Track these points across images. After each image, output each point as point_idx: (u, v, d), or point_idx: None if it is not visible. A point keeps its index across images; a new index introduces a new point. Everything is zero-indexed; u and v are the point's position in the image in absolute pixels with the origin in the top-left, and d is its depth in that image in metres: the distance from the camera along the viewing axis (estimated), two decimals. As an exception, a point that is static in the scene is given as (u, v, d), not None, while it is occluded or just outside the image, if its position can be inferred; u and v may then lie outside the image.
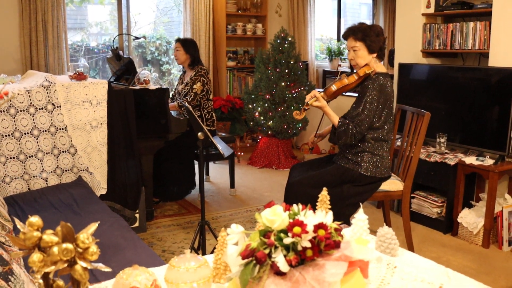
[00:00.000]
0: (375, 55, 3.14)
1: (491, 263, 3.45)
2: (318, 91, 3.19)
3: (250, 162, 6.14)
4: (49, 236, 1.06)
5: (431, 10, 4.46)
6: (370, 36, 3.09)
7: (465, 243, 3.79)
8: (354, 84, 3.17)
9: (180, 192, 4.77)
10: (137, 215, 3.75)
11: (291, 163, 5.91)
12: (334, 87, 3.17)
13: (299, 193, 3.11)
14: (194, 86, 4.62)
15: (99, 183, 3.42)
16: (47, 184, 3.22)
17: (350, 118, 3.13)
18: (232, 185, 4.96)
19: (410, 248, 3.38)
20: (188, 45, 4.81)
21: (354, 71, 3.22)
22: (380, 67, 3.19)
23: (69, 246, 1.05)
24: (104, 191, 3.44)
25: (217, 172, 5.76)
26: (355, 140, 3.08)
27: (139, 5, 6.59)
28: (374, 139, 3.13)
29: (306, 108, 3.18)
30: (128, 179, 3.62)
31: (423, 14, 4.52)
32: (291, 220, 1.18)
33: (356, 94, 3.34)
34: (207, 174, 5.51)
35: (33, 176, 3.17)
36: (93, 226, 1.10)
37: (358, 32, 3.11)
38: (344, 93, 3.38)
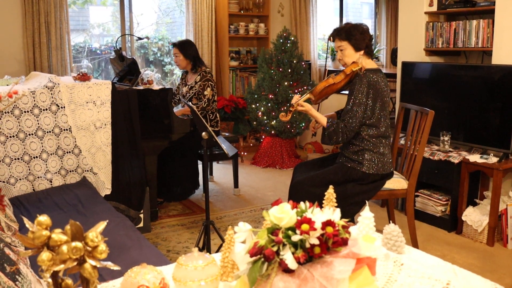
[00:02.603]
0: (362, 52, 3.15)
1: (496, 261, 3.45)
2: (299, 95, 3.21)
3: (253, 162, 6.14)
4: (58, 235, 1.07)
5: (434, 8, 4.45)
6: (355, 35, 3.12)
7: (470, 241, 3.78)
8: (342, 82, 3.17)
9: (184, 192, 4.77)
10: (141, 215, 3.75)
11: (294, 163, 5.91)
12: (319, 87, 3.19)
13: (303, 193, 3.11)
14: (205, 93, 4.60)
15: (104, 184, 3.43)
16: (51, 184, 3.23)
17: (341, 115, 3.15)
18: (236, 185, 4.96)
19: (415, 246, 3.37)
20: (186, 49, 4.71)
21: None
22: (370, 63, 3.20)
23: (79, 244, 1.05)
24: (108, 192, 3.45)
25: (221, 172, 5.76)
26: (346, 138, 3.08)
27: (141, 6, 6.60)
28: (372, 136, 3.13)
29: (291, 109, 3.18)
30: (133, 179, 3.62)
31: (425, 13, 4.52)
32: (298, 218, 1.18)
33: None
34: (211, 174, 5.51)
35: (38, 177, 3.18)
36: (102, 225, 1.11)
37: (342, 32, 3.15)
38: (337, 93, 3.37)
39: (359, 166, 3.12)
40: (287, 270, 1.16)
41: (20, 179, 3.12)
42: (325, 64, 3.48)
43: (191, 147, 4.65)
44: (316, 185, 3.09)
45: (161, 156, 4.32)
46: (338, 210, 1.29)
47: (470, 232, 3.82)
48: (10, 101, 2.84)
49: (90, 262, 1.07)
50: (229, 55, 6.72)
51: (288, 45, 5.82)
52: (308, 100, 3.22)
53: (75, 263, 1.06)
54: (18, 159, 3.11)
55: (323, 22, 8.10)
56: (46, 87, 3.19)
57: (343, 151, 3.24)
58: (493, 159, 3.69)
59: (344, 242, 1.19)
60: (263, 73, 5.89)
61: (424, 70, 4.45)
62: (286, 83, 5.75)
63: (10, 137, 3.07)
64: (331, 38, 3.25)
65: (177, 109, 4.61)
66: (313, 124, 3.40)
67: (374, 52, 4.10)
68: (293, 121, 5.79)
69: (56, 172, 3.24)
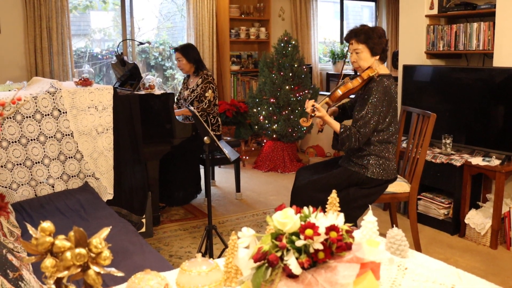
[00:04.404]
0: (377, 57, 3.12)
1: (499, 264, 3.44)
2: (315, 100, 3.17)
3: (255, 166, 6.14)
4: (61, 242, 1.07)
5: (435, 11, 4.45)
6: (373, 39, 3.06)
7: (473, 244, 3.78)
8: (358, 87, 3.15)
9: (186, 197, 4.77)
10: (143, 220, 3.75)
11: (296, 167, 5.91)
12: (339, 92, 3.16)
13: (305, 197, 3.10)
14: (206, 95, 4.60)
15: (106, 189, 3.43)
16: (53, 190, 3.23)
17: (353, 121, 3.12)
18: (238, 189, 4.95)
19: (418, 250, 3.37)
20: (188, 53, 4.72)
21: (358, 74, 3.21)
22: (383, 69, 3.18)
23: (82, 251, 1.05)
24: (110, 197, 3.44)
25: (223, 176, 5.76)
26: (359, 143, 3.06)
27: (142, 11, 6.61)
28: (380, 142, 3.12)
29: (313, 115, 3.13)
30: (135, 184, 3.62)
31: (426, 16, 4.52)
32: (302, 223, 1.18)
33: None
34: (213, 178, 5.51)
35: (40, 182, 3.18)
36: (105, 231, 1.11)
37: (360, 34, 3.08)
38: (349, 96, 3.37)
39: (363, 171, 3.11)
40: (291, 275, 1.15)
41: (22, 185, 3.12)
42: (342, 67, 3.46)
43: (193, 152, 4.65)
44: (318, 190, 3.08)
45: (163, 161, 4.31)
46: (342, 215, 1.28)
47: (473, 235, 3.81)
48: (12, 107, 2.84)
49: (94, 268, 1.06)
50: (230, 59, 6.73)
51: (289, 49, 5.82)
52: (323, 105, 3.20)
53: (78, 270, 1.06)
54: (20, 164, 3.11)
55: (323, 26, 8.11)
56: (48, 92, 3.19)
57: (349, 154, 3.24)
58: (495, 162, 3.69)
59: (348, 247, 1.19)
60: (264, 77, 5.89)
61: (425, 73, 4.45)
62: (287, 87, 5.75)
63: (12, 142, 3.07)
64: (347, 39, 3.19)
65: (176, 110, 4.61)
66: (321, 122, 3.34)
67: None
68: (295, 125, 5.79)
69: (58, 178, 3.24)
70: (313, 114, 3.09)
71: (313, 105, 3.07)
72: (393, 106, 3.10)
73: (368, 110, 3.03)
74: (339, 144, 3.10)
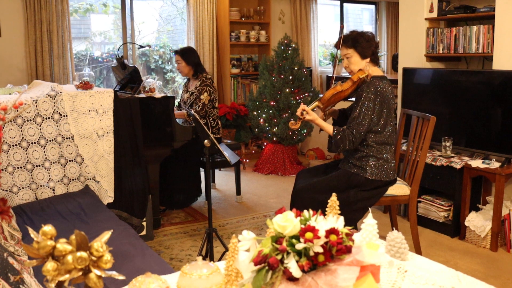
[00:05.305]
0: (368, 60, 3.17)
1: (500, 266, 3.44)
2: (307, 106, 3.20)
3: (255, 169, 6.14)
4: (63, 245, 1.07)
5: (434, 14, 4.47)
6: (361, 42, 3.12)
7: (473, 247, 3.78)
8: (349, 90, 3.18)
9: (186, 200, 4.77)
10: (144, 223, 3.75)
11: (296, 169, 5.91)
12: (327, 94, 3.19)
13: (305, 199, 3.11)
14: (201, 97, 4.61)
15: (106, 192, 3.43)
16: (54, 193, 3.23)
17: (348, 122, 3.15)
18: (238, 192, 4.96)
19: (418, 252, 3.37)
20: (188, 56, 4.75)
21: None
22: (376, 71, 3.21)
23: (84, 254, 1.05)
24: (111, 200, 3.45)
25: (223, 179, 5.76)
26: (353, 145, 3.09)
27: (143, 14, 6.63)
28: (377, 143, 3.14)
29: (301, 118, 3.17)
30: (135, 187, 3.62)
31: (426, 19, 4.53)
32: (302, 226, 1.19)
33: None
34: (213, 181, 5.52)
35: (40, 186, 3.18)
36: (107, 235, 1.11)
37: (348, 40, 3.16)
38: (345, 100, 3.38)
39: (362, 172, 3.13)
40: (292, 279, 1.16)
41: (22, 188, 3.12)
42: (333, 72, 3.49)
43: (193, 155, 4.65)
44: (318, 192, 3.09)
45: (164, 164, 4.32)
46: (342, 218, 1.29)
47: (473, 237, 3.82)
48: (13, 111, 2.85)
49: (95, 272, 1.07)
50: (230, 63, 6.74)
51: (289, 52, 5.84)
52: (315, 108, 3.22)
53: (80, 273, 1.07)
54: (21, 167, 3.11)
55: (323, 29, 8.12)
56: (48, 95, 3.20)
57: (348, 157, 3.25)
58: (495, 164, 3.69)
59: (348, 250, 1.19)
60: (264, 80, 5.90)
61: (425, 76, 4.46)
62: (287, 90, 5.76)
63: (13, 145, 3.08)
64: (336, 46, 3.26)
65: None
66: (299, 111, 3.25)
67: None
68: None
69: (58, 181, 3.25)
70: (301, 117, 3.14)
71: (303, 109, 3.12)
72: (387, 106, 3.11)
73: (360, 111, 3.07)
74: (333, 146, 3.14)
